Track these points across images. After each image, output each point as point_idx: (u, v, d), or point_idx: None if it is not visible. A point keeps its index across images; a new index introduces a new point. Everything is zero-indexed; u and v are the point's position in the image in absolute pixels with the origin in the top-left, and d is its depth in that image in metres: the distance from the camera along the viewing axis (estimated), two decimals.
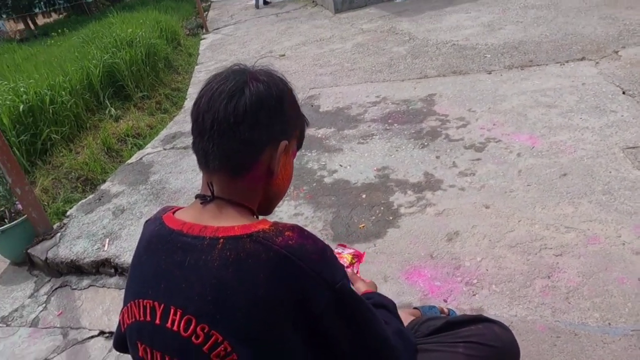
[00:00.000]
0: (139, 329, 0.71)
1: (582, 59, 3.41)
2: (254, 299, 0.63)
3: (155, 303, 0.69)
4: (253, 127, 0.70)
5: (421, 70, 3.92)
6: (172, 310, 0.66)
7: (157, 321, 0.68)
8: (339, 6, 7.26)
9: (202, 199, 0.74)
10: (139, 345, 0.71)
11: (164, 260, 0.70)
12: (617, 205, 1.89)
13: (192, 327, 0.64)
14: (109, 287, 2.27)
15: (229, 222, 0.69)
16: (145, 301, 0.71)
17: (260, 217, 0.77)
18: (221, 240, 0.66)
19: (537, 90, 3.06)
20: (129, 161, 3.51)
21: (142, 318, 0.70)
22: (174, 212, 0.78)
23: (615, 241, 1.72)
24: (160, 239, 0.73)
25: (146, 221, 0.83)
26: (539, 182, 2.16)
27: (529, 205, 2.02)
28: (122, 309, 0.76)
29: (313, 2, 9.13)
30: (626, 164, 2.14)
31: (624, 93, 2.78)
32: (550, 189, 2.09)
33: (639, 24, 3.81)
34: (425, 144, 2.73)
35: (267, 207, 0.82)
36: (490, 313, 1.53)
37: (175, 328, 0.66)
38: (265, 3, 9.79)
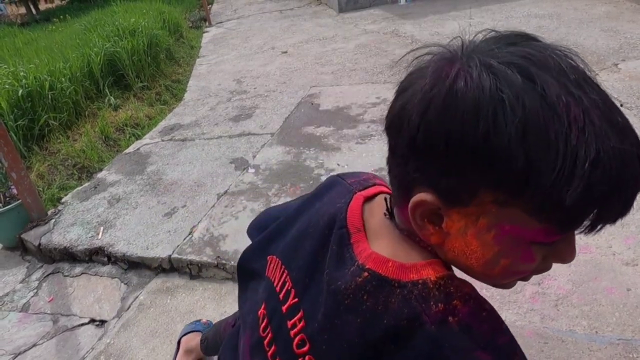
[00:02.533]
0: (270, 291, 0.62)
1: None
2: None
3: (286, 275, 0.59)
4: (407, 150, 0.44)
5: None
6: (297, 310, 0.55)
7: (281, 297, 0.58)
8: (343, 6, 7.26)
9: (386, 209, 0.54)
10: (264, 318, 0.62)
11: (315, 243, 0.57)
12: None
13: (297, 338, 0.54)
14: (101, 276, 2.27)
15: (388, 249, 0.49)
16: (278, 262, 0.62)
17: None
18: (365, 274, 0.48)
19: None
20: (127, 151, 3.51)
21: (276, 284, 0.61)
22: (366, 199, 0.58)
23: (606, 251, 1.75)
24: (329, 219, 0.57)
25: (339, 175, 0.66)
26: None
27: None
28: (269, 255, 0.65)
29: (317, 0, 9.13)
30: None
31: (622, 106, 2.80)
32: None
33: None
34: None
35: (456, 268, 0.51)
36: None
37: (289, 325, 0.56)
38: None
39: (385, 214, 0.54)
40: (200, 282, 2.09)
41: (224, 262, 2.04)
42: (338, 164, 2.72)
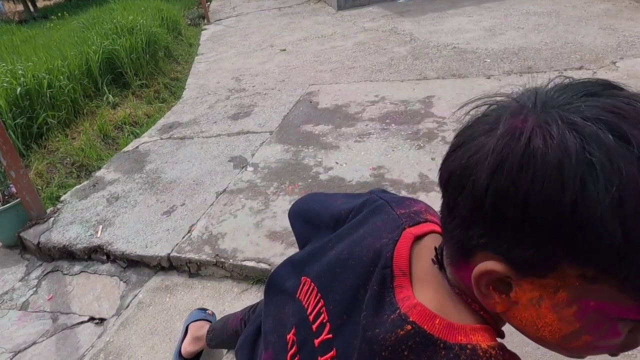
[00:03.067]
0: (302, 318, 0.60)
1: (580, 68, 3.44)
2: None
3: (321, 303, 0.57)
4: (470, 213, 0.40)
5: (421, 71, 3.94)
6: (330, 347, 0.53)
7: (314, 328, 0.56)
8: (342, 3, 7.25)
9: (435, 258, 0.49)
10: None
11: (356, 279, 0.53)
12: None
13: None
14: (100, 274, 2.28)
15: (435, 302, 0.45)
16: (313, 287, 0.59)
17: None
18: (409, 326, 0.44)
19: None
20: (125, 149, 3.51)
21: (310, 311, 0.59)
22: (416, 238, 0.53)
23: None
24: (374, 254, 0.53)
25: (387, 200, 0.61)
26: None
27: None
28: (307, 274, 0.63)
29: None
30: None
31: None
32: None
33: (638, 36, 3.85)
34: (422, 145, 2.75)
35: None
36: None
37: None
38: None
39: (433, 261, 0.48)
40: (199, 280, 2.09)
41: (222, 260, 2.04)
42: (337, 162, 2.73)
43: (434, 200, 2.26)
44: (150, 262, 2.22)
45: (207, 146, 3.27)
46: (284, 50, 5.48)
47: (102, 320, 2.01)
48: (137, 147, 3.49)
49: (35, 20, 12.23)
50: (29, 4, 16.59)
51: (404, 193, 2.32)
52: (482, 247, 0.39)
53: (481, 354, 0.41)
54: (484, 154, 0.37)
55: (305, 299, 0.60)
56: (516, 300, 0.40)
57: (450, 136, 2.79)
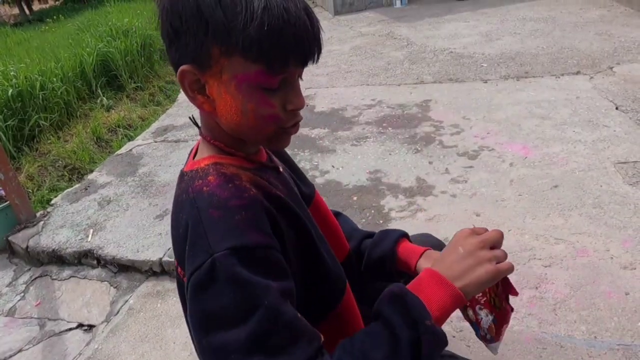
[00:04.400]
0: None
1: (577, 73, 3.43)
2: (173, 239, 0.64)
3: None
4: (168, 40, 0.60)
5: (418, 75, 3.92)
6: None
7: None
8: (339, 8, 7.25)
9: (193, 121, 0.75)
10: None
11: None
12: (606, 219, 1.89)
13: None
14: (90, 279, 2.22)
15: (199, 154, 0.68)
16: None
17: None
18: (182, 175, 0.66)
19: (531, 102, 3.07)
20: (119, 152, 3.45)
21: None
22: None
23: (603, 255, 1.72)
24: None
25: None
26: (530, 192, 2.15)
27: (519, 215, 2.01)
28: None
29: (313, 2, 9.12)
30: (617, 178, 2.14)
31: (617, 109, 2.80)
32: (541, 199, 2.09)
33: (634, 42, 3.86)
34: (419, 149, 2.72)
35: (239, 142, 0.66)
36: None
37: None
38: None
39: (190, 119, 0.75)
40: None
41: None
42: (333, 166, 2.69)
43: (433, 203, 2.23)
44: (141, 267, 2.17)
45: None
46: None
47: (90, 326, 1.95)
48: (130, 150, 3.44)
49: (31, 23, 12.16)
50: (25, 7, 16.53)
51: (401, 197, 2.28)
52: (180, 62, 0.58)
53: (200, 171, 0.62)
54: (158, 4, 0.59)
55: None
56: (212, 96, 0.60)
57: (447, 140, 2.77)
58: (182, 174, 0.66)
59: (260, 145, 0.71)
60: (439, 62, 4.17)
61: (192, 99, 0.61)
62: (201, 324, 0.52)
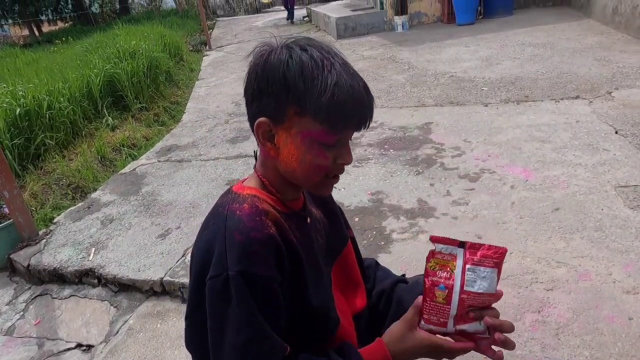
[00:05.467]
0: None
1: (577, 97, 3.48)
2: (198, 234, 0.78)
3: None
4: (251, 97, 0.72)
5: (419, 98, 3.97)
6: None
7: None
8: (342, 32, 7.40)
9: (254, 155, 0.85)
10: None
11: None
12: (608, 243, 1.89)
13: None
14: (90, 298, 2.21)
15: (247, 182, 0.80)
16: None
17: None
18: (229, 191, 0.80)
19: (532, 125, 3.11)
20: (122, 171, 3.48)
21: None
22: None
23: (606, 279, 1.72)
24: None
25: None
26: (532, 215, 2.16)
27: (521, 238, 2.01)
28: None
29: (316, 27, 9.32)
30: (618, 202, 2.15)
31: (616, 132, 2.82)
32: (542, 222, 2.10)
33: (632, 67, 3.92)
34: (420, 171, 2.74)
35: (287, 186, 0.78)
36: None
37: None
38: (290, 18, 10.87)
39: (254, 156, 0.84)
40: None
41: None
42: (335, 187, 2.70)
43: (434, 225, 2.24)
44: (142, 287, 2.16)
45: (204, 169, 3.25)
46: None
47: (89, 347, 1.94)
48: (134, 169, 3.47)
49: (40, 44, 12.42)
50: (34, 29, 16.91)
51: (402, 218, 2.29)
52: (257, 114, 0.71)
53: (241, 197, 0.75)
54: (251, 66, 0.71)
55: None
56: (278, 145, 0.72)
57: (449, 162, 2.79)
58: (230, 190, 0.79)
59: (306, 189, 0.83)
60: (440, 85, 4.23)
61: (262, 145, 0.73)
62: (213, 322, 0.69)
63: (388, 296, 0.96)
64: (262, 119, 0.71)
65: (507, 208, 2.24)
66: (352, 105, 0.68)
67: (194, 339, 0.75)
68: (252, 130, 0.74)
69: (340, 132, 0.71)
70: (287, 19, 10.91)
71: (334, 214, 0.96)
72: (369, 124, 0.73)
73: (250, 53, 0.73)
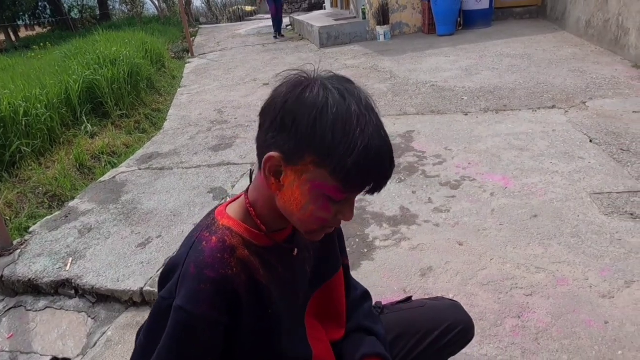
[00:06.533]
0: None
1: (553, 107, 3.58)
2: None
3: None
4: (270, 124, 0.69)
5: (401, 107, 4.03)
6: None
7: None
8: (325, 41, 7.47)
9: (250, 173, 0.88)
10: None
11: None
12: (584, 249, 1.94)
13: None
14: (67, 310, 2.15)
15: (231, 207, 0.78)
16: None
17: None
18: (211, 213, 0.79)
19: (510, 134, 3.18)
20: (102, 179, 3.42)
21: None
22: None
23: (582, 283, 1.76)
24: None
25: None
26: (511, 222, 2.20)
27: (501, 244, 2.05)
28: None
29: (299, 35, 9.37)
30: (593, 209, 2.21)
31: (591, 141, 2.91)
32: (521, 229, 2.14)
33: (605, 78, 4.06)
34: (402, 178, 2.77)
35: (278, 218, 0.75)
36: (461, 352, 1.52)
37: None
38: (279, 35, 9.35)
39: (250, 176, 0.82)
40: None
41: None
42: None
43: (416, 232, 2.26)
44: (121, 297, 2.11)
45: (186, 177, 3.21)
46: (267, 84, 5.56)
47: None
48: (114, 177, 3.41)
49: (16, 49, 12.14)
50: (11, 33, 16.54)
51: (385, 226, 2.31)
52: (271, 145, 0.67)
53: (217, 226, 0.74)
54: (282, 93, 0.67)
55: None
56: (283, 183, 0.69)
57: (430, 170, 2.83)
58: (211, 213, 0.78)
59: (298, 230, 0.78)
60: (421, 94, 4.30)
61: (266, 178, 0.70)
62: (147, 333, 0.73)
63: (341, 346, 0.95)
64: (274, 153, 0.66)
65: (487, 215, 2.28)
66: (375, 173, 0.66)
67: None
68: (257, 155, 0.71)
69: (352, 192, 0.69)
70: (275, 37, 9.34)
71: (331, 240, 0.92)
72: (381, 190, 0.71)
73: (280, 75, 0.69)
